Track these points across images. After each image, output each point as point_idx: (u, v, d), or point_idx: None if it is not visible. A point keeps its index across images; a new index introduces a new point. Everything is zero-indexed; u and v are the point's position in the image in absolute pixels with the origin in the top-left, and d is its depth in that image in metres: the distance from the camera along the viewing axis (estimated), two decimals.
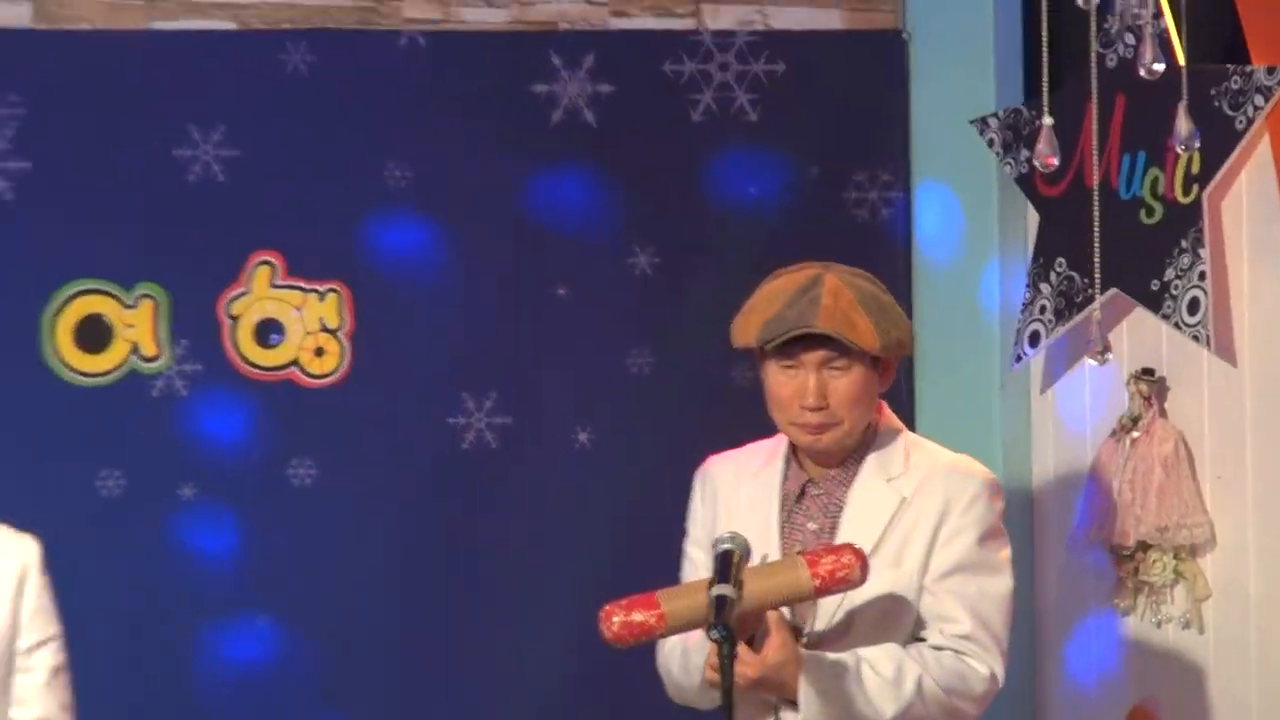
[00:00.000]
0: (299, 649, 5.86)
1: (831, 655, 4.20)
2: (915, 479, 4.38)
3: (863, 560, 4.01)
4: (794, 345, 4.28)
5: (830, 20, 6.00)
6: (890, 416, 4.50)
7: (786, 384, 4.36)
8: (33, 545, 4.23)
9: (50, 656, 4.19)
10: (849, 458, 4.40)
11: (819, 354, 4.28)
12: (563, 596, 5.82)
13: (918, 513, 4.31)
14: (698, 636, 4.02)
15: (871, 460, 4.40)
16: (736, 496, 4.50)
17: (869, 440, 4.43)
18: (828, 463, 4.42)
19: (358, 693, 5.92)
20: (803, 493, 4.39)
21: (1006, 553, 4.39)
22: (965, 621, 4.20)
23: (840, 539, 4.17)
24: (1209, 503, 5.15)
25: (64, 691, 4.21)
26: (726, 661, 3.70)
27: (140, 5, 5.95)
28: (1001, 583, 4.32)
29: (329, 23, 5.93)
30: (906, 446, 4.46)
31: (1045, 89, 4.63)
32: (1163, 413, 5.27)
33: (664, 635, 4.14)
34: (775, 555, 4.23)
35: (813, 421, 4.34)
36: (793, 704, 4.10)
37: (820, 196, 5.95)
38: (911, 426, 5.31)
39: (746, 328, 4.36)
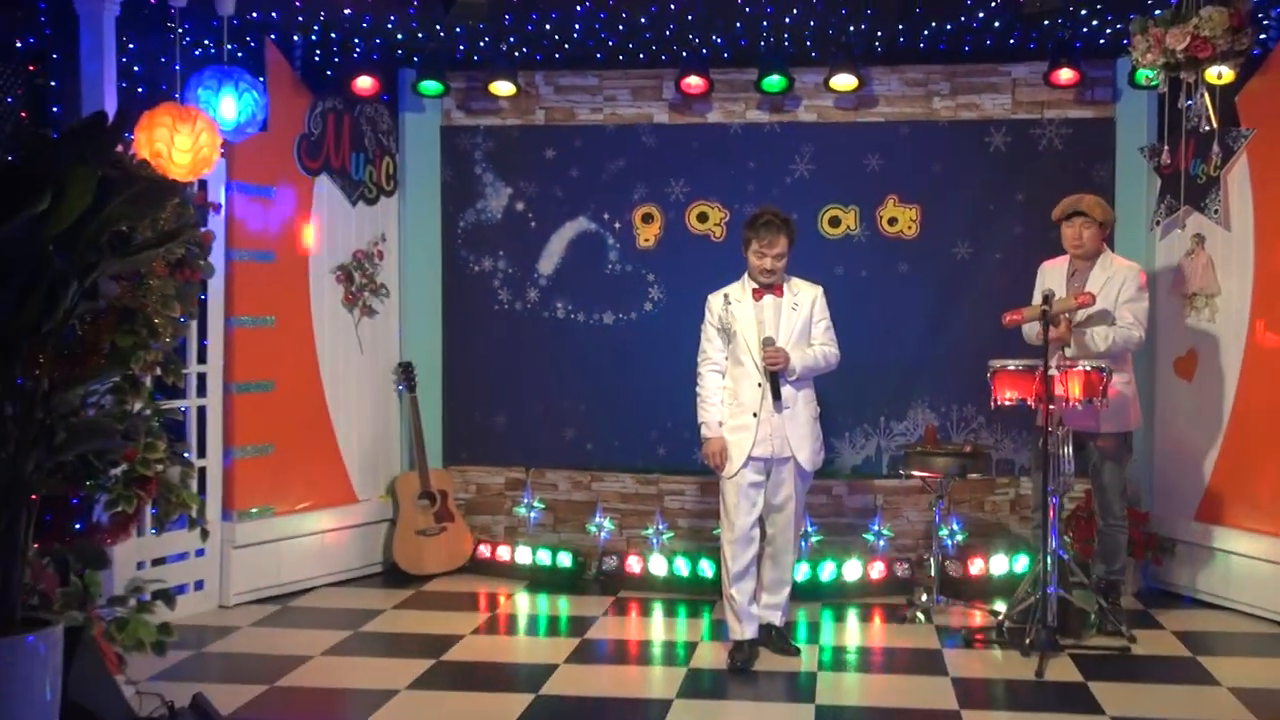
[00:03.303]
0: None
1: None
2: (1114, 269, 6.60)
3: (1093, 297, 6.24)
4: (1073, 217, 6.52)
5: (1087, 113, 7.78)
6: (1107, 248, 6.59)
7: (1067, 229, 6.57)
8: (819, 287, 6.13)
9: (826, 325, 6.09)
10: (1091, 261, 6.55)
11: (1079, 219, 6.56)
12: (964, 308, 7.85)
13: (1115, 282, 6.57)
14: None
15: (1098, 263, 6.59)
16: (1050, 278, 6.61)
17: (1097, 256, 6.54)
18: (1082, 260, 6.56)
19: None
20: (1074, 272, 6.61)
21: (1146, 294, 6.50)
22: (1129, 317, 6.37)
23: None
24: (1219, 279, 7.24)
25: (832, 335, 6.11)
26: (1045, 323, 6.03)
27: (924, 100, 7.97)
28: (1145, 305, 6.47)
29: (1013, 116, 7.90)
30: (1111, 257, 6.65)
31: (1165, 136, 7.14)
32: (1203, 247, 7.32)
33: (1023, 322, 6.41)
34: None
35: (1075, 246, 6.63)
36: None
37: (1085, 171, 7.76)
38: (1114, 248, 6.97)
39: (1056, 211, 6.68)
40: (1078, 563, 6.58)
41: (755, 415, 5.99)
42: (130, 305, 5.05)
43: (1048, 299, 6.31)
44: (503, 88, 7.91)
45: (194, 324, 6.66)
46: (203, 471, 6.93)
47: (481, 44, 7.61)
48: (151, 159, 5.85)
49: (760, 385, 5.98)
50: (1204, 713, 5.38)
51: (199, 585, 7.03)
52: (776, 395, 5.95)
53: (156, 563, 6.64)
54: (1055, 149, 7.84)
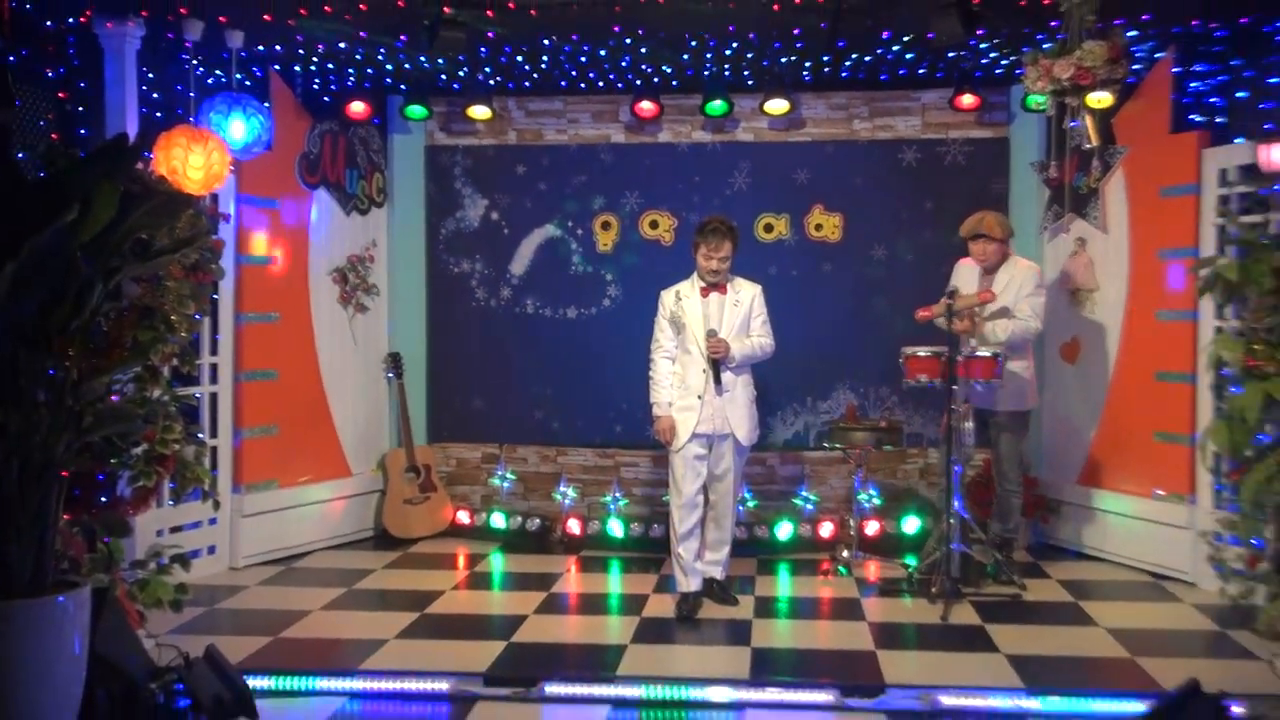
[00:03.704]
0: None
1: None
2: (1016, 270, 6.60)
3: (993, 295, 6.32)
4: (977, 238, 6.61)
5: (986, 133, 7.78)
6: (1012, 252, 6.62)
7: (974, 246, 6.65)
8: (758, 286, 6.04)
9: (763, 319, 5.99)
10: (998, 264, 6.63)
11: (982, 240, 6.58)
12: (880, 302, 7.85)
13: (1017, 280, 6.57)
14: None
15: (1004, 266, 6.64)
16: (964, 274, 6.72)
17: (1004, 261, 6.63)
18: (989, 269, 6.64)
19: None
20: (984, 274, 6.67)
21: (1043, 290, 6.61)
22: (1027, 310, 6.42)
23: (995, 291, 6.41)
24: (1099, 276, 7.33)
25: (768, 328, 6.02)
26: (948, 317, 6.14)
27: (846, 122, 7.88)
28: (1041, 300, 6.49)
29: (923, 136, 7.85)
30: (1016, 260, 6.64)
31: (1053, 152, 6.91)
32: (1084, 249, 7.45)
33: (933, 317, 6.41)
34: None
35: (981, 260, 6.62)
36: None
37: (985, 184, 7.77)
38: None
39: (963, 229, 6.65)
40: (977, 522, 6.58)
41: (700, 398, 5.95)
42: (150, 304, 5.09)
43: (951, 294, 6.39)
44: (479, 112, 7.85)
45: (207, 320, 6.64)
46: (215, 450, 6.89)
47: (461, 73, 7.57)
48: (168, 175, 5.82)
49: (705, 371, 5.94)
50: (1084, 650, 5.46)
51: (211, 550, 6.97)
52: (718, 380, 5.91)
53: (174, 530, 6.59)
54: (959, 164, 7.88)
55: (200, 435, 6.09)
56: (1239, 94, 6.81)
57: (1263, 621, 5.40)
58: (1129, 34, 6.02)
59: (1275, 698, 4.62)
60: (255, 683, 4.75)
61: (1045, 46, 5.71)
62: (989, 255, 6.54)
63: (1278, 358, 5.17)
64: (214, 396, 6.94)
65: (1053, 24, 6.11)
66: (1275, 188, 5.83)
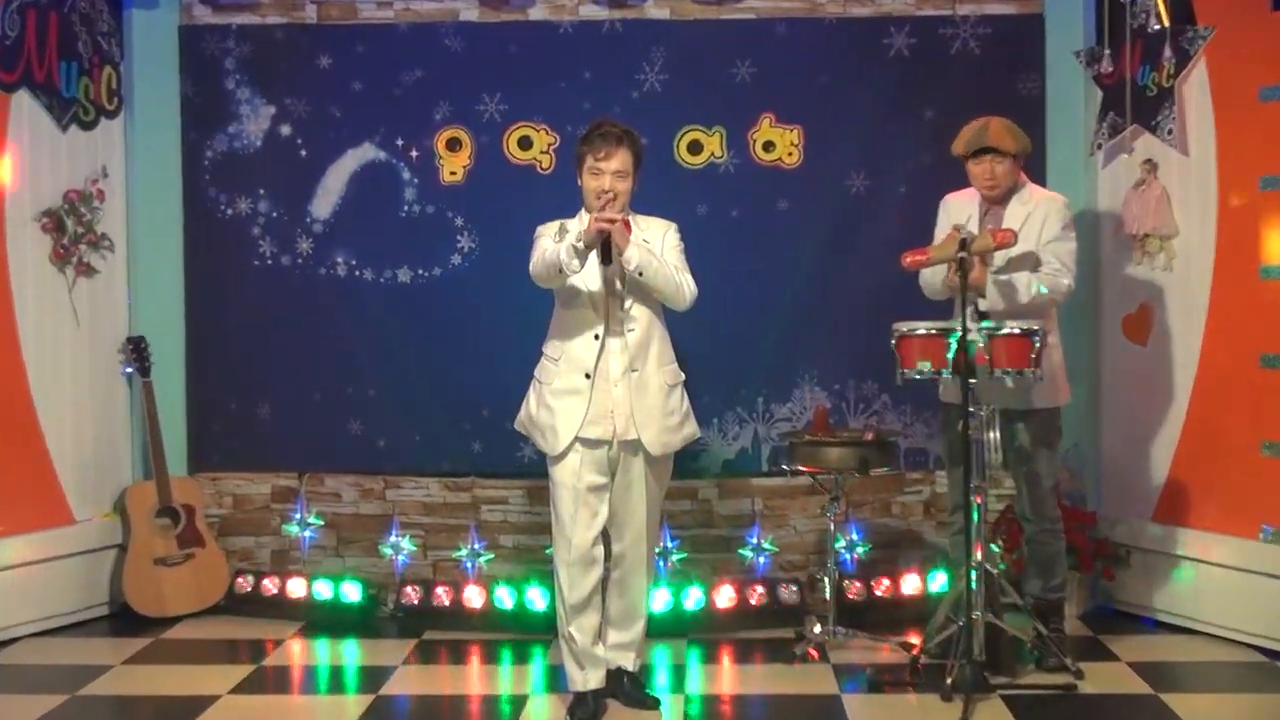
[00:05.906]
0: None
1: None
2: (1034, 203, 6.47)
3: (1014, 235, 6.05)
4: (980, 153, 6.45)
5: (1009, 8, 7.67)
6: (1024, 178, 6.46)
7: (976, 168, 6.48)
8: (673, 224, 5.95)
9: (678, 252, 5.81)
10: (1006, 195, 6.44)
11: (989, 157, 6.42)
12: (860, 256, 7.67)
13: (1036, 218, 6.41)
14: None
15: (1016, 197, 6.50)
16: (958, 210, 6.52)
17: (1016, 189, 6.43)
18: (996, 200, 6.46)
19: None
20: (988, 210, 6.57)
21: (1073, 230, 6.42)
22: (1055, 261, 6.28)
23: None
24: (1177, 216, 7.18)
25: (686, 263, 5.84)
26: (963, 272, 5.89)
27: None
28: (1072, 246, 6.34)
29: (918, 13, 7.69)
30: (1031, 190, 6.45)
31: (1107, 38, 7.00)
32: (1156, 176, 7.27)
33: (929, 264, 6.27)
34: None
35: (990, 187, 6.46)
36: None
37: (1009, 82, 7.66)
38: (1044, 179, 7.27)
39: (957, 145, 6.52)
40: (1009, 579, 6.48)
41: (588, 376, 5.71)
42: None
43: (964, 244, 6.10)
44: None
45: None
46: None
47: None
48: None
49: (597, 338, 5.70)
50: None
51: None
52: (606, 257, 5.63)
53: None
54: (971, 54, 7.70)
55: None
56: None
57: None
58: None
59: None
60: None
61: None
62: (999, 180, 6.39)
63: None
64: None
65: None
66: None
